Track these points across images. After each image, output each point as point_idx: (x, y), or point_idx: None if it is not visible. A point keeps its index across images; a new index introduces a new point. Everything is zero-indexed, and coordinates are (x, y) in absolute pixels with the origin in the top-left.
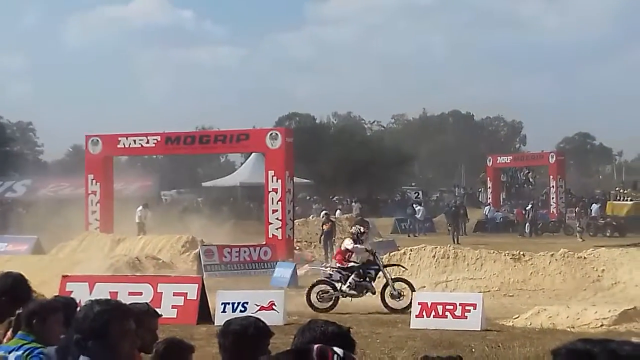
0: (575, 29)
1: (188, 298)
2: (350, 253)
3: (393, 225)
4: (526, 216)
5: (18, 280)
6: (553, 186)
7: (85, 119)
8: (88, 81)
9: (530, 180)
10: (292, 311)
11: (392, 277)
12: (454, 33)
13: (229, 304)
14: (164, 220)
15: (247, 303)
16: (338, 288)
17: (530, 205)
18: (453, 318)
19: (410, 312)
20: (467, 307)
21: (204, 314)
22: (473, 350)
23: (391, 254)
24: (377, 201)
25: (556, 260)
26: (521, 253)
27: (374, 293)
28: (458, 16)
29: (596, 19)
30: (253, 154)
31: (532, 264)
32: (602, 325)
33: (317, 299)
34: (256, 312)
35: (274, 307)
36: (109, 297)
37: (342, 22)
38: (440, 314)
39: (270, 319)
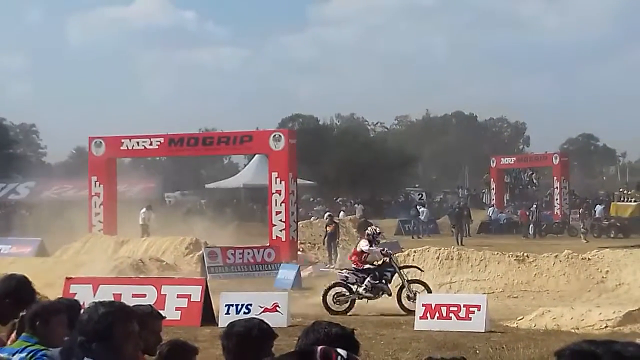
0: (575, 29)
1: (192, 300)
2: (366, 254)
3: (397, 227)
4: (530, 217)
5: (22, 283)
6: (557, 187)
7: (87, 121)
8: (90, 82)
9: (534, 181)
10: (295, 313)
11: (409, 278)
12: (456, 33)
13: (232, 305)
14: (167, 222)
15: (250, 305)
16: (354, 290)
17: (534, 207)
18: (457, 319)
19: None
20: (471, 309)
21: (208, 316)
22: (477, 351)
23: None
24: (380, 203)
25: (560, 261)
26: (525, 254)
27: (390, 295)
28: (459, 17)
29: (596, 19)
30: (256, 155)
31: (536, 265)
32: (606, 327)
33: (334, 301)
34: (260, 313)
35: (277, 308)
36: (112, 299)
37: (344, 22)
38: (444, 315)
39: (274, 320)
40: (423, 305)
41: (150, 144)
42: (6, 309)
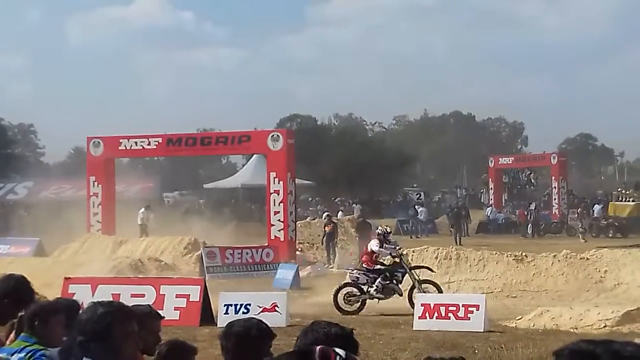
0: (575, 29)
1: (190, 300)
2: (377, 254)
3: (395, 227)
4: (528, 217)
5: (20, 283)
6: (555, 187)
7: (86, 121)
8: (89, 82)
9: (532, 181)
10: (294, 313)
11: (419, 278)
12: (455, 33)
13: (231, 305)
14: (166, 222)
15: (249, 305)
16: (365, 291)
17: (532, 207)
18: (456, 319)
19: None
20: (469, 309)
21: (207, 316)
22: (476, 351)
23: None
24: (378, 202)
25: (559, 261)
26: (524, 254)
27: (401, 295)
28: (459, 17)
29: (596, 19)
30: (254, 155)
31: (534, 265)
32: (605, 326)
33: (344, 301)
34: (258, 313)
35: (276, 308)
36: (111, 299)
37: (344, 23)
38: (443, 315)
39: (273, 320)
40: (422, 305)
41: (149, 144)
42: (5, 309)
